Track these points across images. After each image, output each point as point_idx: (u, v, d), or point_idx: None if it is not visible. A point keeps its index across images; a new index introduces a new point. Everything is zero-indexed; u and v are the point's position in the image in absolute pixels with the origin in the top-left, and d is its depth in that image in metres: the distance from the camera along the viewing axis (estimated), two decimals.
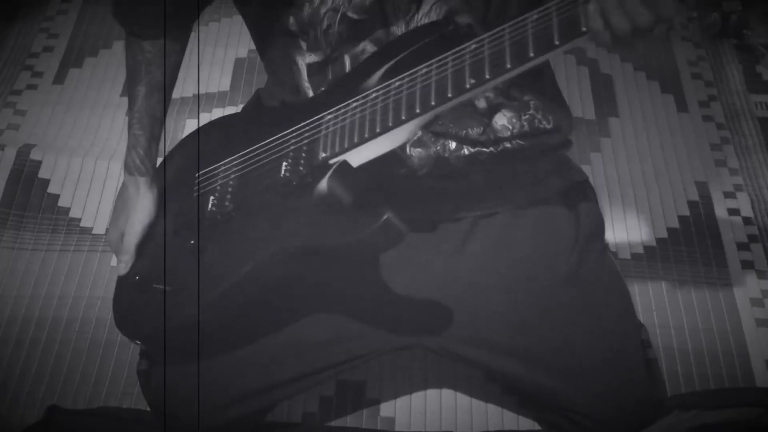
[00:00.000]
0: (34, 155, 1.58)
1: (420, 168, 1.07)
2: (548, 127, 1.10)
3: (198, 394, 1.04)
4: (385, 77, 0.94)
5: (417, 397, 1.27)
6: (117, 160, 1.58)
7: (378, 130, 0.90)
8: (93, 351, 1.32)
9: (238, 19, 1.77)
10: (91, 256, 1.45)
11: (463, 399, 1.26)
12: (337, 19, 0.99)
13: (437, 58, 0.88)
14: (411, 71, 0.90)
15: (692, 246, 1.46)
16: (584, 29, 0.77)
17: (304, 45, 1.04)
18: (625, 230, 1.48)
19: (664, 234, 1.48)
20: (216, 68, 1.77)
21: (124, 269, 1.07)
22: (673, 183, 1.56)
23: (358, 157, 0.92)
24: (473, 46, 0.85)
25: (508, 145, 1.08)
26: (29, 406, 1.25)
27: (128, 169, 1.07)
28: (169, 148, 1.16)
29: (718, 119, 1.68)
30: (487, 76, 0.82)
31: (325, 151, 0.94)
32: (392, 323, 1.09)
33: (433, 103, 0.86)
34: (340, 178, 0.90)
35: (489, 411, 1.25)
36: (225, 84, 1.75)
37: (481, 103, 1.06)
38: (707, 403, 1.17)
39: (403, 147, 1.06)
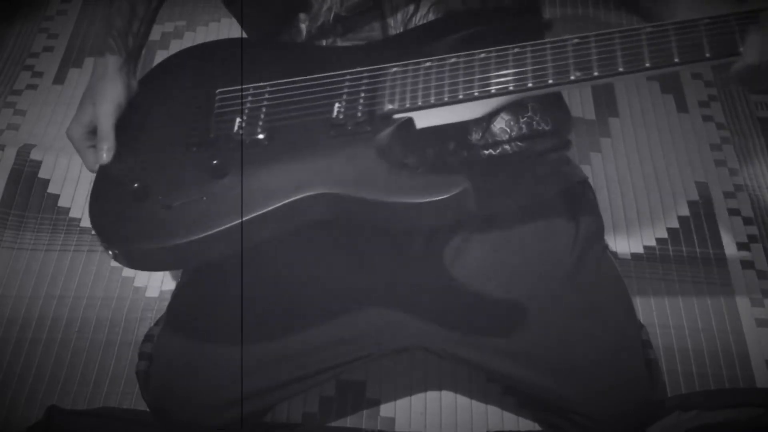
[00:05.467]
0: (34, 155, 1.58)
1: (416, 167, 1.07)
2: (547, 128, 1.10)
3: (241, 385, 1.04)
4: (458, 46, 0.91)
5: (417, 397, 1.27)
6: None
7: (460, 97, 0.87)
8: (93, 351, 1.32)
9: None
10: (91, 256, 1.45)
11: (463, 400, 1.26)
12: (331, 17, 0.99)
13: (533, 42, 0.87)
14: (501, 48, 0.88)
15: (692, 246, 1.46)
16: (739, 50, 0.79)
17: None
18: (625, 230, 1.48)
19: (664, 234, 1.48)
20: None
21: (106, 157, 0.97)
22: (673, 183, 1.56)
23: (425, 119, 0.90)
24: (575, 41, 0.85)
25: (507, 147, 1.08)
26: (29, 406, 1.25)
27: (98, 50, 1.01)
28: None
29: (718, 119, 1.68)
30: (595, 73, 0.83)
31: (392, 103, 0.90)
32: (392, 324, 1.09)
33: (529, 84, 0.85)
34: (403, 135, 0.88)
35: (489, 412, 1.25)
36: None
37: None
38: (707, 403, 1.17)
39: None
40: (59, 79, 1.77)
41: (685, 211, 1.52)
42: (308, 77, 0.95)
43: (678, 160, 1.60)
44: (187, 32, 1.84)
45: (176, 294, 1.16)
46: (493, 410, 1.25)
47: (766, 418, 1.15)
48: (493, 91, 0.86)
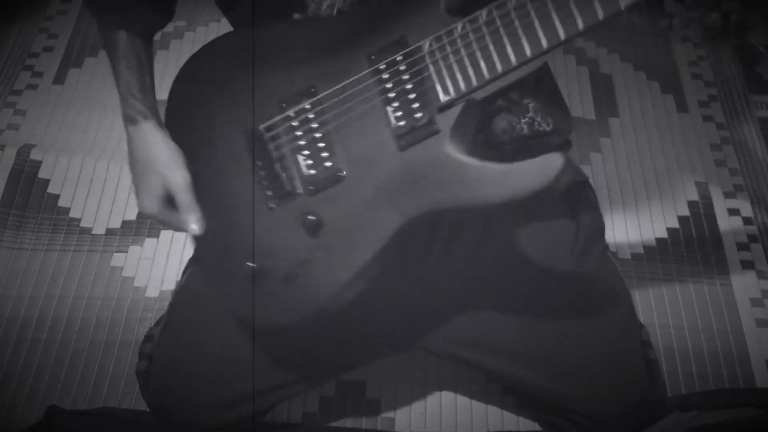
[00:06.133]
0: (34, 155, 1.58)
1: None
2: (548, 129, 1.10)
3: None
4: None
5: (417, 397, 1.27)
6: (117, 160, 1.58)
7: (514, 63, 0.78)
8: (93, 351, 1.32)
9: None
10: (91, 256, 1.45)
11: (463, 399, 1.26)
12: (334, 13, 0.98)
13: None
14: None
15: (692, 246, 1.46)
16: None
17: None
18: (625, 230, 1.49)
19: (664, 234, 1.48)
20: None
21: (198, 229, 0.92)
22: (673, 183, 1.56)
23: (482, 91, 0.81)
24: None
25: (507, 147, 1.08)
26: (29, 406, 1.25)
27: (130, 118, 0.95)
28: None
29: (718, 119, 1.68)
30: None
31: (446, 92, 0.81)
32: (393, 325, 1.09)
33: (562, 36, 0.75)
34: (469, 115, 0.81)
35: (489, 412, 1.25)
36: None
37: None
38: (707, 403, 1.17)
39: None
40: (59, 79, 1.77)
41: (685, 211, 1.52)
42: (345, 84, 0.85)
43: (678, 160, 1.60)
44: (187, 32, 1.84)
45: (177, 294, 1.16)
46: (493, 410, 1.25)
47: (766, 418, 1.15)
48: (545, 46, 0.76)
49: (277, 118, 0.89)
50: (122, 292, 1.40)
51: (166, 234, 1.48)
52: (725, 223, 1.50)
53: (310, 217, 0.87)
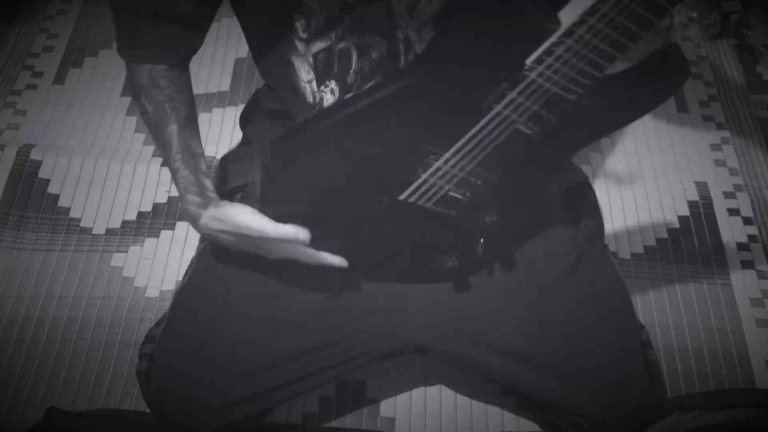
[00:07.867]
0: (34, 155, 1.58)
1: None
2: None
3: None
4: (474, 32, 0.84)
5: (417, 397, 1.27)
6: (117, 160, 1.58)
7: (631, 46, 0.83)
8: (93, 351, 1.32)
9: None
10: (91, 256, 1.45)
11: (463, 399, 1.26)
12: (338, 7, 0.97)
13: None
14: None
15: (692, 246, 1.46)
16: None
17: (300, 46, 1.03)
18: (625, 230, 1.48)
19: (664, 234, 1.48)
20: (216, 68, 1.77)
21: (306, 232, 0.93)
22: (673, 183, 1.56)
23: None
24: None
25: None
26: (29, 407, 1.25)
27: (191, 214, 0.98)
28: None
29: (718, 119, 1.68)
30: None
31: (572, 93, 0.85)
32: (392, 325, 1.09)
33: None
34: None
35: (489, 411, 1.25)
36: (225, 84, 1.75)
37: None
38: (707, 404, 1.17)
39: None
40: (59, 79, 1.77)
41: (685, 211, 1.52)
42: (470, 136, 0.89)
43: (678, 160, 1.60)
44: None
45: (178, 295, 1.16)
46: (493, 410, 1.25)
47: (766, 418, 1.15)
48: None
49: (414, 185, 0.94)
50: (122, 292, 1.40)
51: (166, 234, 1.48)
52: (725, 223, 1.50)
53: (487, 218, 0.98)
